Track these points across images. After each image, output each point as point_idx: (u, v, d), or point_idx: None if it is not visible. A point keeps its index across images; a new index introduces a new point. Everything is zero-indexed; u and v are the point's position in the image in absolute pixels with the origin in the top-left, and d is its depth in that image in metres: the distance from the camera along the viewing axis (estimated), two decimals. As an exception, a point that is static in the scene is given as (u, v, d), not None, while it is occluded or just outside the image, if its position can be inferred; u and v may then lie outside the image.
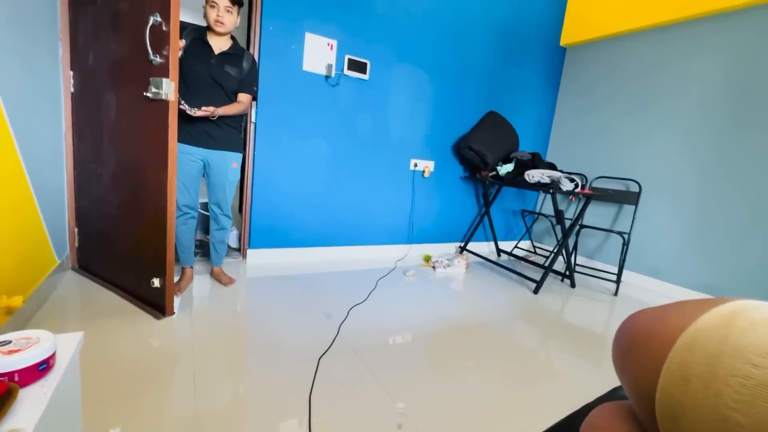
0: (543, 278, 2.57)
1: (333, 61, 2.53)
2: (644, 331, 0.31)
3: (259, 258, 2.55)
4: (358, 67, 2.62)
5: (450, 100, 3.10)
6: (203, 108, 1.69)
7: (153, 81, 1.56)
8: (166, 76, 1.55)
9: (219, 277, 2.13)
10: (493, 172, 3.03)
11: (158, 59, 1.57)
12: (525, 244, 3.84)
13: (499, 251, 3.53)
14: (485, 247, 3.65)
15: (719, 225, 2.59)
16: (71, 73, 1.95)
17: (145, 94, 1.59)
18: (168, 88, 1.55)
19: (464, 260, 2.96)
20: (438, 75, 2.99)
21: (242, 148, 2.03)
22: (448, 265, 2.88)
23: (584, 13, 3.46)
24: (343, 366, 1.47)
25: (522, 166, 2.89)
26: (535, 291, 2.56)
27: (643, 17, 2.98)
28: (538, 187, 2.60)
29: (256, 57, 2.29)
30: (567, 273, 2.79)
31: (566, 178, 2.57)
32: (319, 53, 2.49)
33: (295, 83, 2.46)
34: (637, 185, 3.00)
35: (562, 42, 3.65)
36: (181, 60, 1.68)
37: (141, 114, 1.67)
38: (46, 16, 1.75)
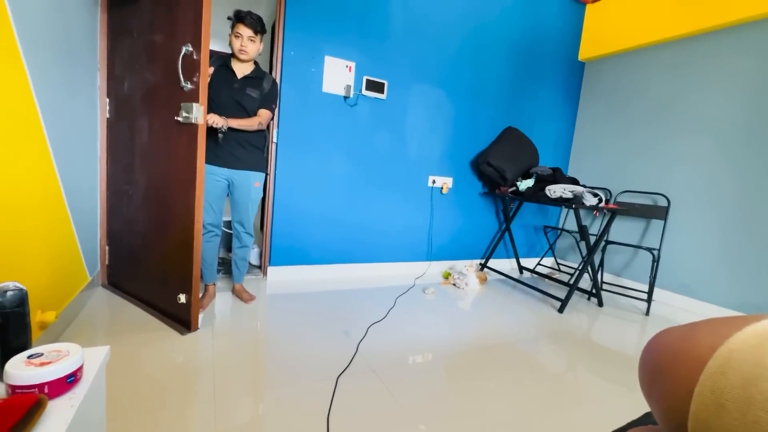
0: (568, 296, 2.48)
1: (351, 82, 2.60)
2: (672, 352, 0.30)
3: (279, 275, 2.58)
4: (375, 87, 2.68)
5: (467, 117, 3.12)
6: (212, 116, 1.71)
7: (184, 106, 1.65)
8: (196, 101, 1.64)
9: (240, 294, 2.16)
10: (513, 188, 2.99)
11: (189, 86, 1.65)
12: (548, 261, 3.74)
13: (521, 268, 3.45)
14: (507, 264, 3.57)
15: (760, 237, 2.44)
16: (107, 100, 2.08)
17: (175, 118, 1.68)
18: (198, 112, 1.63)
19: (483, 277, 2.90)
20: (455, 92, 3.02)
21: (265, 168, 2.09)
22: (468, 283, 2.82)
23: (602, 28, 3.44)
24: (362, 385, 1.44)
25: (542, 181, 2.84)
26: (560, 310, 2.46)
27: (663, 29, 2.94)
28: (560, 202, 2.55)
29: (278, 80, 2.38)
30: (594, 291, 2.68)
31: (589, 192, 2.50)
32: (337, 75, 2.57)
33: (314, 104, 2.53)
34: (665, 199, 2.89)
35: (581, 57, 3.63)
36: (208, 85, 1.76)
37: (171, 137, 1.76)
38: (88, 48, 1.89)
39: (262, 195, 2.09)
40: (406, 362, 1.66)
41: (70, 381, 0.55)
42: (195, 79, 1.65)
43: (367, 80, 2.64)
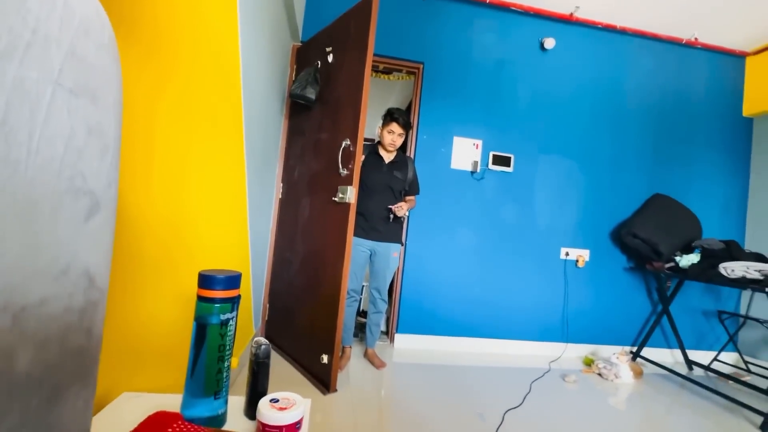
0: (774, 410, 1.89)
1: (478, 158, 2.74)
2: None
3: (405, 343, 2.63)
4: (502, 161, 2.76)
5: (604, 185, 2.91)
6: (397, 205, 2.08)
7: (340, 188, 1.97)
8: (350, 184, 1.94)
9: (372, 359, 2.26)
10: (670, 263, 2.57)
11: (345, 171, 1.98)
12: (730, 356, 2.96)
13: (689, 363, 2.80)
14: (668, 356, 2.95)
15: None
16: (281, 184, 2.60)
17: (333, 198, 2.01)
18: (350, 193, 1.92)
19: (638, 369, 2.44)
20: (588, 160, 2.89)
21: (401, 240, 2.27)
22: (619, 375, 2.40)
23: (773, 79, 2.98)
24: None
25: (712, 256, 2.39)
26: (764, 428, 1.88)
27: None
28: (744, 283, 2.08)
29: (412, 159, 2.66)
30: (815, 407, 1.99)
31: (788, 273, 2.00)
32: (465, 153, 2.75)
33: (443, 180, 2.72)
34: None
35: (746, 112, 3.15)
36: (360, 170, 2.08)
37: (327, 214, 2.09)
38: (274, 145, 2.46)
39: (398, 264, 2.25)
40: (555, 463, 1.46)
41: (297, 427, 0.66)
42: (350, 166, 1.97)
43: (494, 155, 2.75)
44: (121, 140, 0.26)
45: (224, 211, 1.51)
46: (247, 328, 2.17)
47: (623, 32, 2.94)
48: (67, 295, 0.22)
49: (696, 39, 2.98)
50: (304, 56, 2.54)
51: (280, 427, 0.64)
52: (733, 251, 2.33)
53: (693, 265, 2.42)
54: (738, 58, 3.17)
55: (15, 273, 0.18)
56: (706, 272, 2.31)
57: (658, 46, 3.03)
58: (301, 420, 0.68)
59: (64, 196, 0.21)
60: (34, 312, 0.20)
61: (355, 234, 2.09)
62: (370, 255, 2.18)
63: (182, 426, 0.57)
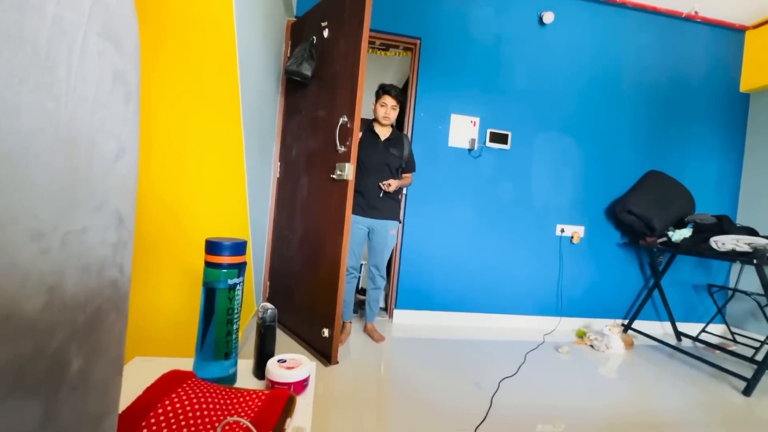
0: (757, 375, 1.98)
1: (476, 136, 2.74)
2: None
3: (404, 318, 2.69)
4: (499, 138, 2.76)
5: (600, 162, 2.93)
6: (386, 182, 2.10)
7: (338, 165, 1.97)
8: (348, 161, 1.95)
9: (372, 334, 2.32)
10: (663, 238, 2.62)
11: (343, 149, 1.99)
12: (717, 328, 3.05)
13: (678, 334, 2.89)
14: (658, 328, 3.04)
15: None
16: (279, 163, 2.60)
17: (331, 176, 2.02)
18: (348, 170, 1.93)
19: (629, 341, 2.53)
20: (585, 137, 2.90)
21: (399, 217, 2.30)
22: (610, 346, 2.48)
23: (771, 54, 2.97)
24: (502, 442, 1.38)
25: (704, 231, 2.44)
26: (746, 392, 1.97)
27: None
28: (733, 256, 2.14)
29: (409, 137, 2.66)
30: (796, 373, 2.08)
31: (776, 245, 2.05)
32: (462, 130, 2.74)
33: (440, 158, 2.72)
34: None
35: (743, 88, 3.15)
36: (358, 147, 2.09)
37: (326, 192, 2.10)
38: (271, 124, 2.45)
39: (396, 241, 2.28)
40: (549, 424, 1.53)
41: (305, 385, 0.70)
42: (348, 143, 1.97)
43: (491, 133, 2.74)
44: (140, 91, 0.28)
45: (223, 191, 1.52)
46: (249, 305, 2.21)
47: (623, 5, 2.90)
48: (102, 228, 0.24)
49: (696, 12, 2.95)
50: (299, 32, 2.49)
51: (288, 384, 0.68)
52: (725, 225, 2.38)
53: (685, 239, 2.47)
54: (737, 32, 3.14)
55: (61, 200, 0.20)
56: (698, 246, 2.36)
57: (657, 20, 2.99)
58: (307, 378, 0.71)
59: (96, 135, 0.23)
60: (78, 238, 0.22)
61: (353, 212, 2.11)
62: (368, 233, 2.21)
63: (196, 382, 0.61)
